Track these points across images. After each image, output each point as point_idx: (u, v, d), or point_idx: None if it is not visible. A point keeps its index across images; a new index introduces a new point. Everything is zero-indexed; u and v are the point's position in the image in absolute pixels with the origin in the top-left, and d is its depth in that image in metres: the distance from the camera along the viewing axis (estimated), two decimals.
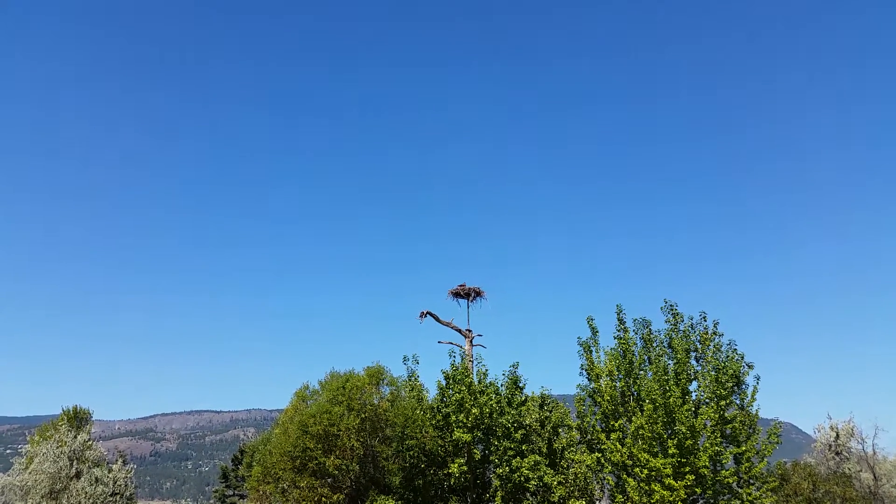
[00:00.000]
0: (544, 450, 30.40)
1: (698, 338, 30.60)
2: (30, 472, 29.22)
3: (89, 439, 32.28)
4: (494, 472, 28.65)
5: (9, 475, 30.17)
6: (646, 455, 27.02)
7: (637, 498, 27.12)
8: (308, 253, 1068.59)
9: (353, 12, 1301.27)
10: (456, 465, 28.17)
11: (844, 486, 35.34)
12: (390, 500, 27.65)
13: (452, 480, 28.68)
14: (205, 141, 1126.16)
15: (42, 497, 28.58)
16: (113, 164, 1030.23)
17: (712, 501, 27.47)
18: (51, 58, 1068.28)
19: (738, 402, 29.70)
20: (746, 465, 28.25)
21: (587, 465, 29.36)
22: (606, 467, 29.31)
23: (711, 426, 28.04)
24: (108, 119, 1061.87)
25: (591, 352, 32.10)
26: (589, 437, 31.15)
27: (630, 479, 27.63)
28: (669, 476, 26.44)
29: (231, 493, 65.12)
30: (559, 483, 28.65)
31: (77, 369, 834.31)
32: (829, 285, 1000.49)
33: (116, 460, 33.40)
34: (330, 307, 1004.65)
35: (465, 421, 28.80)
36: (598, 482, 30.79)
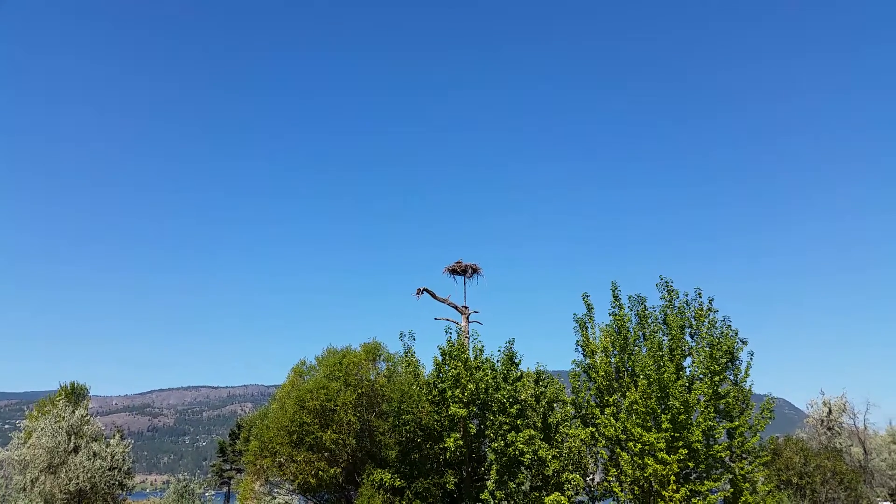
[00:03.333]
0: (539, 424, 30.66)
1: (693, 314, 30.74)
2: (28, 447, 29.34)
3: (87, 414, 32.35)
4: (490, 447, 28.91)
5: (7, 450, 30.27)
6: (639, 430, 27.28)
7: (630, 471, 27.43)
8: (305, 230, 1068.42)
9: None
10: (452, 439, 28.41)
11: (835, 461, 35.78)
12: (387, 474, 27.91)
13: (448, 454, 28.94)
14: (202, 123, 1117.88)
15: (41, 471, 28.73)
16: (114, 147, 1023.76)
17: (705, 475, 27.78)
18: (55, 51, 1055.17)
19: (731, 377, 29.93)
20: (739, 439, 28.56)
21: (581, 440, 29.65)
22: (600, 441, 29.60)
23: (705, 401, 28.28)
24: (113, 103, 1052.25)
25: (586, 328, 32.24)
26: (583, 411, 31.40)
27: (623, 453, 27.92)
28: (662, 450, 26.71)
29: (228, 467, 65.67)
30: (554, 457, 28.95)
31: (74, 345, 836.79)
32: (823, 261, 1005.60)
33: (114, 435, 33.54)
34: (327, 284, 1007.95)
35: (460, 396, 28.99)
36: (591, 456, 31.11)
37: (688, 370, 29.49)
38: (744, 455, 28.97)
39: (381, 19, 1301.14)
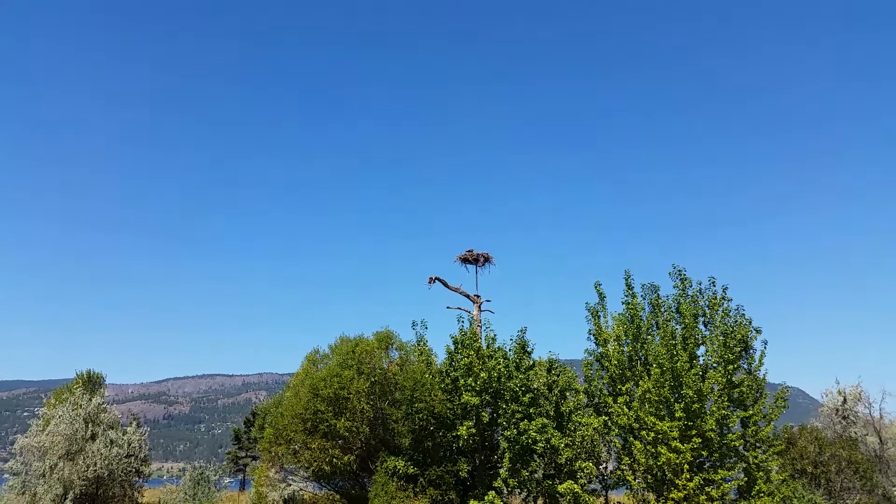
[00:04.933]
0: (552, 413, 30.69)
1: (706, 303, 30.56)
2: (47, 434, 29.69)
3: (103, 402, 32.66)
4: (502, 435, 28.99)
5: (27, 437, 30.64)
6: (652, 418, 27.23)
7: (644, 460, 27.41)
8: (318, 220, 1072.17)
9: None
10: (464, 427, 28.50)
11: (850, 450, 35.53)
12: (400, 461, 28.06)
13: (461, 442, 29.05)
14: (214, 115, 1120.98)
15: (59, 458, 29.08)
16: (127, 139, 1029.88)
17: (718, 464, 27.73)
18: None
19: (745, 366, 29.78)
20: (753, 428, 28.44)
21: (594, 428, 29.65)
22: (613, 430, 29.59)
23: (719, 390, 28.18)
24: (131, 98, 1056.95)
25: (598, 317, 32.16)
26: (596, 400, 31.39)
27: (637, 442, 27.90)
28: (676, 439, 26.67)
29: (244, 454, 66.28)
30: (566, 445, 28.98)
31: (91, 334, 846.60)
32: (838, 249, 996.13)
33: (130, 423, 33.86)
34: (340, 273, 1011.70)
35: (473, 385, 29.04)
36: (604, 444, 31.14)
37: (701, 359, 29.37)
38: (758, 444, 28.85)
39: (390, 13, 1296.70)
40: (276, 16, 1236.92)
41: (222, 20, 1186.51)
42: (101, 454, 29.93)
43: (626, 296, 31.48)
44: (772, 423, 29.08)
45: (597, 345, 31.97)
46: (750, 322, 29.95)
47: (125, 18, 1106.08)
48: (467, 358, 29.86)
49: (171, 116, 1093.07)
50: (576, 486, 28.05)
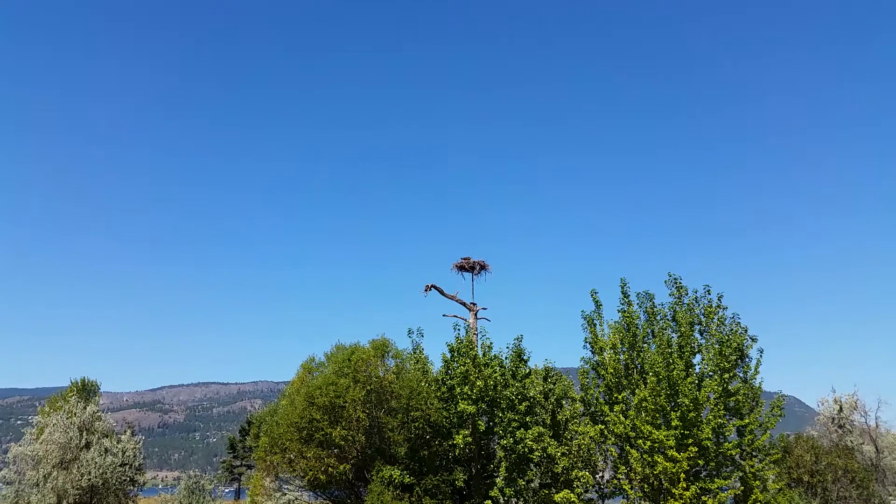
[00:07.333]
0: (548, 421, 30.66)
1: (702, 311, 30.61)
2: (41, 443, 29.56)
3: (98, 411, 32.54)
4: (499, 444, 28.94)
5: (20, 445, 30.51)
6: (649, 427, 27.21)
7: (640, 469, 27.36)
8: (314, 226, 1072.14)
9: None
10: (461, 436, 28.44)
11: (846, 459, 35.55)
12: (396, 470, 27.97)
13: (457, 451, 28.99)
14: (211, 116, 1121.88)
15: (53, 467, 28.95)
16: (124, 141, 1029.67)
17: (715, 473, 27.69)
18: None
19: (741, 375, 29.81)
20: (749, 437, 28.44)
21: (590, 437, 29.62)
22: (609, 439, 29.55)
23: (715, 399, 28.17)
24: (123, 100, 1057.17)
25: (594, 325, 32.16)
26: (592, 409, 31.35)
27: (633, 451, 27.85)
28: (672, 448, 26.64)
29: (239, 463, 66.02)
30: (563, 454, 28.94)
31: (85, 342, 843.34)
32: (834, 258, 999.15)
33: (125, 431, 33.72)
34: (336, 280, 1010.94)
35: (469, 393, 28.99)
36: (601, 453, 31.09)
37: (697, 367, 29.38)
38: (754, 453, 28.84)
39: (396, 16, 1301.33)
40: (275, 16, 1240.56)
41: (223, 21, 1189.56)
42: (96, 463, 29.79)
43: (622, 304, 31.50)
44: (768, 431, 29.08)
45: (593, 353, 31.96)
46: (746, 330, 30.01)
47: (125, 19, 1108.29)
48: (463, 366, 29.84)
49: (164, 117, 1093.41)
50: (572, 495, 27.99)
